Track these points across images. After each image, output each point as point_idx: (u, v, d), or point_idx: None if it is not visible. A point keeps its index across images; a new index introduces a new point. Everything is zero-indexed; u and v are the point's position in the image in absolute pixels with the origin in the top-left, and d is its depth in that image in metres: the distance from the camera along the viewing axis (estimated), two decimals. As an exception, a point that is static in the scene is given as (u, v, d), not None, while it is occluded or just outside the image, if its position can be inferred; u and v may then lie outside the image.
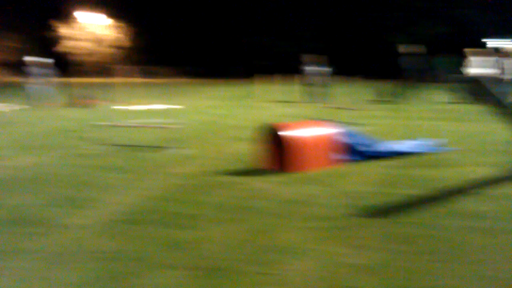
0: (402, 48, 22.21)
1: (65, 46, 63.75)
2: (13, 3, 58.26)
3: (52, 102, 20.04)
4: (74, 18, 64.09)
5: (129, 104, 18.73)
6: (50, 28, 63.13)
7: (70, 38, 64.09)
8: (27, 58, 21.30)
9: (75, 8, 63.04)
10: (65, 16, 63.67)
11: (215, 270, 4.01)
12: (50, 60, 21.15)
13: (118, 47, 66.29)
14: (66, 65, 63.52)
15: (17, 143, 10.55)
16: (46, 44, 62.56)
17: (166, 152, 9.23)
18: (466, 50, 19.48)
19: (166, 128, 10.27)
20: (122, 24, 65.28)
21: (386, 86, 22.84)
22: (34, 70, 20.43)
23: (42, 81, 20.38)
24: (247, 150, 9.05)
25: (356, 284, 3.78)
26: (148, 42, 65.65)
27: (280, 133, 7.61)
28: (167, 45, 65.21)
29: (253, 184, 6.83)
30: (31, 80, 20.35)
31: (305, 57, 22.07)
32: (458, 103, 19.65)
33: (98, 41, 65.61)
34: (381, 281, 3.83)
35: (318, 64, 21.67)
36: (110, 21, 65.10)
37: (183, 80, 54.13)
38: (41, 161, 8.52)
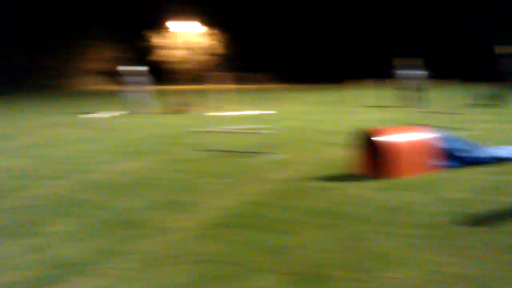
0: (500, 49, 21.25)
1: (159, 55, 65.93)
2: (111, 16, 61.04)
3: (149, 109, 20.80)
4: (167, 28, 66.15)
5: (223, 110, 19.10)
6: (145, 38, 65.54)
7: (163, 47, 66.20)
8: (121, 68, 22.20)
9: (169, 18, 65.11)
10: (159, 27, 65.89)
11: (312, 276, 4.04)
12: (144, 68, 21.92)
13: (212, 54, 67.72)
14: (160, 73, 65.76)
15: (118, 149, 11.04)
16: (142, 54, 65.09)
17: (261, 157, 9.35)
18: None
19: (260, 134, 10.41)
20: (215, 31, 66.66)
21: (485, 89, 21.95)
22: (129, 78, 21.27)
23: (138, 89, 21.17)
24: (341, 155, 9.01)
25: (459, 294, 3.69)
26: (240, 49, 66.65)
27: (375, 138, 7.52)
28: (259, 51, 65.94)
29: (348, 190, 6.79)
30: (127, 88, 21.20)
31: (398, 61, 21.63)
32: None
33: (191, 49, 67.32)
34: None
35: (412, 67, 21.17)
36: (203, 29, 66.64)
37: (276, 86, 54.51)
38: (141, 166, 8.88)
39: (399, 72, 21.33)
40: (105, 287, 3.92)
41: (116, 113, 18.45)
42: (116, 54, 63.02)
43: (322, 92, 35.86)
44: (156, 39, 65.90)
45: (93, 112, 16.95)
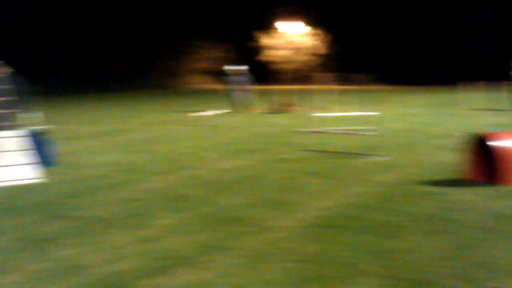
0: None
1: (266, 55, 66.63)
2: (221, 17, 62.36)
3: (252, 108, 21.00)
4: (275, 28, 66.70)
5: (326, 111, 18.95)
6: (254, 39, 66.43)
7: (270, 48, 66.84)
8: (226, 67, 22.59)
9: (276, 19, 65.62)
10: (266, 27, 66.58)
11: (418, 283, 3.90)
12: (245, 67, 22.13)
13: (315, 54, 67.55)
14: (267, 73, 66.41)
15: (223, 147, 11.26)
16: (250, 54, 66.00)
17: (365, 159, 9.18)
18: None
19: (365, 135, 10.22)
20: (318, 31, 66.42)
21: None
22: (233, 78, 21.58)
23: (241, 88, 21.43)
24: (450, 160, 8.65)
25: None
26: (344, 49, 65.97)
27: (490, 143, 7.14)
28: (363, 52, 64.90)
29: (458, 195, 6.50)
30: (231, 87, 21.51)
31: None
32: None
33: (296, 49, 67.49)
34: None
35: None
36: (307, 29, 66.61)
37: (381, 87, 53.45)
38: (245, 164, 8.98)
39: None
40: (206, 281, 3.99)
41: (220, 112, 18.79)
42: (225, 54, 64.40)
43: (431, 94, 34.76)
44: (264, 39, 66.69)
45: (201, 111, 17.39)
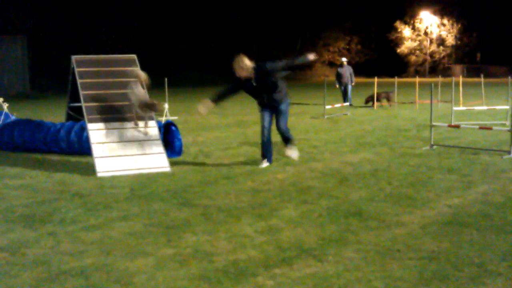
0: None
1: (406, 46, 65.06)
2: (359, 8, 61.31)
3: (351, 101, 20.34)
4: (417, 19, 64.96)
5: (465, 104, 18.16)
6: (393, 30, 65.05)
7: (410, 39, 65.16)
8: (342, 59, 22.05)
9: (414, 10, 63.90)
10: (408, 17, 64.99)
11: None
12: (345, 60, 21.48)
13: (445, 45, 64.97)
14: (405, 65, 64.75)
15: (348, 140, 11.17)
16: (388, 45, 64.78)
17: (499, 155, 8.67)
18: None
19: (498, 130, 9.66)
20: (449, 21, 63.82)
21: None
22: (343, 69, 20.96)
23: (351, 80, 20.79)
24: None
25: None
26: (475, 39, 62.71)
27: None
28: (495, 42, 61.06)
29: None
30: (346, 79, 20.90)
31: None
32: None
33: (435, 40, 65.29)
34: None
35: None
36: (436, 19, 64.22)
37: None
38: (370, 158, 8.84)
39: None
40: (328, 274, 3.97)
41: (341, 105, 18.59)
42: (358, 46, 63.63)
43: None
44: (404, 31, 65.25)
45: (328, 104, 17.32)
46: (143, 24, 45.37)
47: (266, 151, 8.37)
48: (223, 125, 14.61)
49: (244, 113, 17.44)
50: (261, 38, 54.30)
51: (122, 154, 8.15)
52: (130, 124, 8.56)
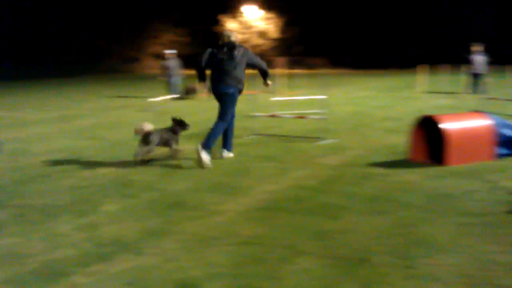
0: None
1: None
2: (186, 0, 61.34)
3: (199, 93, 20.62)
4: (240, 12, 66.50)
5: (286, 95, 19.03)
6: (218, 23, 66.04)
7: (235, 32, 66.65)
8: (167, 51, 22.06)
9: (239, 3, 65.38)
10: (231, 11, 66.26)
11: (359, 261, 3.98)
12: (173, 52, 21.67)
13: (268, 38, 67.68)
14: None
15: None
16: (213, 38, 65.50)
17: (313, 142, 9.27)
18: None
19: (319, 119, 10.32)
20: (272, 15, 66.52)
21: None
22: (172, 62, 21.07)
23: (177, 73, 20.97)
24: (400, 142, 8.82)
25: (508, 284, 3.55)
26: (297, 33, 66.12)
27: (435, 125, 7.31)
28: (317, 36, 65.02)
29: (404, 176, 6.66)
30: (169, 72, 21.03)
31: (473, 46, 20.81)
32: None
33: (258, 33, 67.45)
34: (536, 283, 3.56)
35: (484, 53, 20.37)
36: (261, 13, 66.61)
37: (340, 70, 53.94)
38: (193, 149, 8.91)
39: (472, 57, 20.53)
40: (148, 266, 3.99)
41: (169, 97, 18.61)
42: (187, 38, 63.71)
43: (389, 78, 35.21)
44: (229, 23, 66.40)
45: (152, 96, 17.23)
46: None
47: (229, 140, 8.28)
48: (45, 120, 13.93)
49: (68, 107, 16.78)
50: (90, 28, 52.47)
51: None
52: None
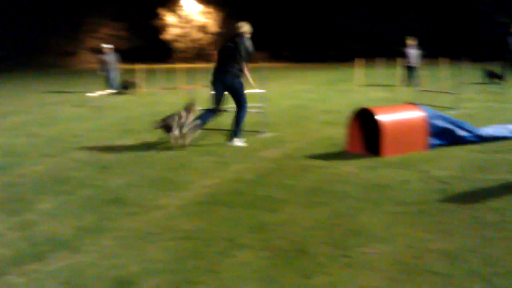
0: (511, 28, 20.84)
1: (170, 33, 65.70)
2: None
3: (139, 88, 20.40)
4: (179, 6, 65.87)
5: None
6: (157, 16, 65.20)
7: (174, 26, 65.96)
8: (104, 45, 21.61)
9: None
10: (170, 4, 65.54)
11: (297, 252, 4.04)
12: (110, 46, 21.33)
13: (207, 33, 67.50)
14: (171, 52, 65.39)
15: (109, 127, 11.03)
16: (152, 32, 64.67)
17: (253, 136, 9.32)
18: None
19: (257, 113, 10.37)
20: (211, 9, 66.36)
21: (489, 68, 21.79)
22: (109, 57, 20.71)
23: (112, 67, 20.65)
24: (337, 134, 8.97)
25: (441, 270, 3.68)
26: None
27: (370, 117, 7.48)
28: (263, 29, 65.27)
29: (341, 168, 6.78)
30: (107, 66, 20.69)
31: (407, 40, 21.34)
32: None
33: (198, 27, 67.07)
34: (466, 266, 3.70)
35: (416, 46, 20.96)
36: (199, 7, 66.31)
37: (279, 64, 54.33)
38: (132, 145, 8.84)
39: (406, 51, 21.07)
40: (84, 263, 3.92)
41: (105, 92, 18.32)
42: (126, 32, 62.62)
43: (327, 71, 35.64)
44: (168, 17, 65.68)
45: (90, 91, 16.97)
46: None
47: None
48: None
49: (1, 104, 16.27)
50: (24, 22, 50.79)
51: None
52: None
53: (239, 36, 8.66)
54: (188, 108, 8.80)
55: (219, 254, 4.05)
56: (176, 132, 8.33)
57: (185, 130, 8.39)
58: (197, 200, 5.48)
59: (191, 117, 8.70)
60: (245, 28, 8.77)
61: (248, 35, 8.80)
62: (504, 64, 20.63)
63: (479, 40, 50.37)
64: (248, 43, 8.69)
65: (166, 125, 8.41)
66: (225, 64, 8.61)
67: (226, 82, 8.65)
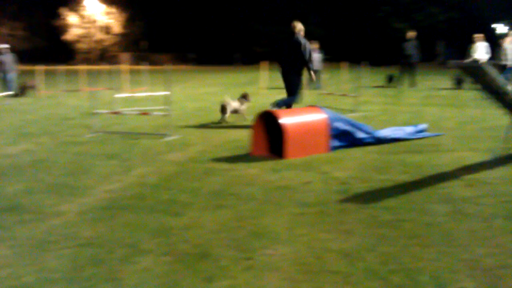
0: (407, 34, 21.92)
1: (72, 34, 63.82)
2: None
3: (37, 90, 19.65)
4: (82, 6, 64.14)
5: (130, 91, 18.68)
6: (59, 16, 63.11)
7: (76, 26, 64.16)
8: (0, 45, 20.61)
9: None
10: (72, 4, 63.66)
11: (200, 256, 4.02)
12: (6, 46, 20.48)
13: (110, 33, 66.29)
14: (73, 53, 63.47)
15: (6, 131, 10.56)
16: (54, 32, 62.54)
17: (155, 139, 9.22)
18: (475, 36, 19.14)
19: (163, 116, 10.26)
20: (114, 10, 65.19)
21: (388, 72, 22.76)
22: (6, 57, 19.81)
23: (12, 68, 19.79)
24: (242, 137, 9.04)
25: (341, 269, 3.78)
26: (140, 28, 65.37)
27: (275, 120, 7.59)
28: (167, 32, 64.73)
29: (246, 170, 6.83)
30: (4, 67, 19.79)
31: (310, 43, 21.82)
32: (459, 88, 19.73)
33: (102, 28, 65.60)
34: (365, 265, 3.83)
35: (318, 50, 21.51)
36: (102, 7, 64.97)
37: (184, 67, 54.02)
38: (29, 149, 8.51)
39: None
40: (-24, 275, 3.72)
41: (1, 94, 17.51)
42: (22, 32, 60.07)
43: (233, 74, 35.86)
44: (70, 18, 63.72)
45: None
46: None
47: None
48: None
49: None
50: None
51: None
52: None
53: (296, 35, 10.16)
54: (245, 96, 11.38)
55: (120, 261, 3.96)
56: (227, 115, 10.95)
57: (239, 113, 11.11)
58: (98, 206, 5.33)
59: (245, 105, 11.30)
60: (299, 27, 10.25)
61: (302, 33, 10.27)
62: (402, 68, 21.65)
63: (377, 45, 52.57)
64: (303, 40, 10.14)
65: (223, 107, 10.95)
66: (288, 60, 10.26)
67: (288, 75, 10.38)
